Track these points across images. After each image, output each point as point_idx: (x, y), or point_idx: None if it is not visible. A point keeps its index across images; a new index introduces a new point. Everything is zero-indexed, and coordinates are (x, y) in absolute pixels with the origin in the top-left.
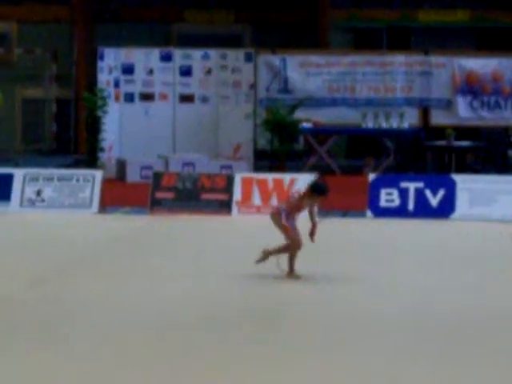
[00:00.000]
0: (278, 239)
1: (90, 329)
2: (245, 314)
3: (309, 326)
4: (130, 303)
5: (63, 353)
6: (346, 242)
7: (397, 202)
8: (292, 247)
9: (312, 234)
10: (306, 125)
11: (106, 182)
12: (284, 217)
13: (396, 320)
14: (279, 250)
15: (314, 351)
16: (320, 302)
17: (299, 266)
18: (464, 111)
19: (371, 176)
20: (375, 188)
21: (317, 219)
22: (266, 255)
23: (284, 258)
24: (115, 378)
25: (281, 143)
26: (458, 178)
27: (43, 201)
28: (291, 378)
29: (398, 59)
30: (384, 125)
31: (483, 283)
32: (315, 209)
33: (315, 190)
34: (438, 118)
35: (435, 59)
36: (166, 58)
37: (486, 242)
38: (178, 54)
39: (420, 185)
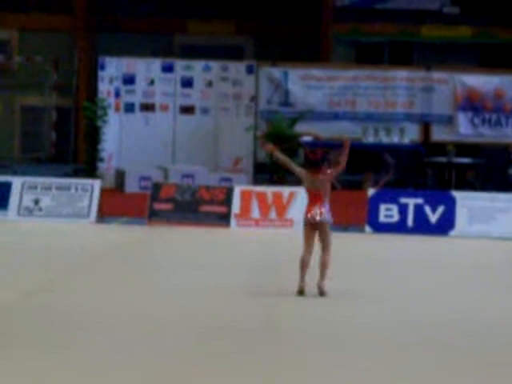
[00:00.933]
0: (276, 254)
1: (87, 334)
2: (242, 329)
3: (305, 340)
4: (124, 312)
5: (66, 357)
6: (344, 257)
7: (396, 218)
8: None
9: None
10: (306, 138)
11: (105, 191)
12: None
13: (394, 334)
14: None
15: (310, 365)
16: (318, 317)
17: (293, 280)
18: (465, 128)
19: (371, 191)
20: (374, 203)
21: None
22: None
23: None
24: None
25: None
26: (458, 195)
27: (41, 210)
28: None
29: (400, 74)
30: (384, 140)
31: (483, 298)
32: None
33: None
34: (439, 134)
35: (437, 75)
36: (168, 68)
37: (485, 259)
38: (179, 65)
39: (419, 201)
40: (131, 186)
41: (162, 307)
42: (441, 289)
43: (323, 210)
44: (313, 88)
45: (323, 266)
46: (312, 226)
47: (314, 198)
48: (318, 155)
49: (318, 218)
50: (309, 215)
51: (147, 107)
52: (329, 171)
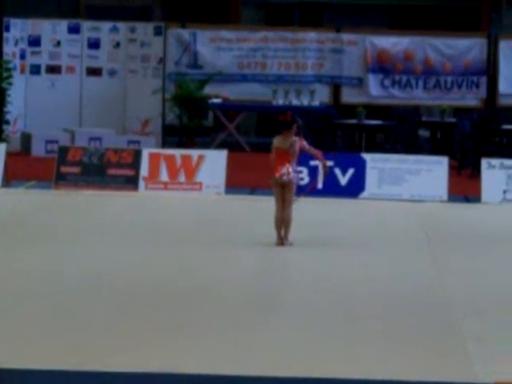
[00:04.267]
0: (184, 217)
1: None
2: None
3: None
4: (23, 273)
5: None
6: (252, 219)
7: (306, 180)
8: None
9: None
10: (215, 100)
11: (10, 155)
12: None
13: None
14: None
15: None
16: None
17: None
18: (375, 90)
19: None
20: None
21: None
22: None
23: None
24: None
25: (190, 119)
26: (368, 157)
27: None
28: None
29: (310, 36)
30: (294, 102)
31: (381, 261)
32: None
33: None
34: (349, 96)
35: (347, 37)
36: (74, 30)
37: (392, 221)
38: (86, 26)
39: (329, 163)
40: (37, 149)
41: (77, 271)
42: (347, 251)
43: (290, 170)
44: (222, 50)
45: (286, 222)
46: (280, 185)
47: (282, 158)
48: (287, 116)
49: (284, 177)
50: (277, 174)
51: (53, 69)
52: (297, 138)
